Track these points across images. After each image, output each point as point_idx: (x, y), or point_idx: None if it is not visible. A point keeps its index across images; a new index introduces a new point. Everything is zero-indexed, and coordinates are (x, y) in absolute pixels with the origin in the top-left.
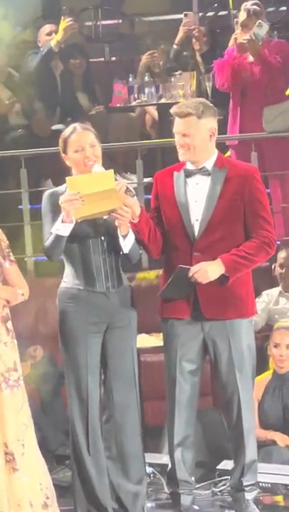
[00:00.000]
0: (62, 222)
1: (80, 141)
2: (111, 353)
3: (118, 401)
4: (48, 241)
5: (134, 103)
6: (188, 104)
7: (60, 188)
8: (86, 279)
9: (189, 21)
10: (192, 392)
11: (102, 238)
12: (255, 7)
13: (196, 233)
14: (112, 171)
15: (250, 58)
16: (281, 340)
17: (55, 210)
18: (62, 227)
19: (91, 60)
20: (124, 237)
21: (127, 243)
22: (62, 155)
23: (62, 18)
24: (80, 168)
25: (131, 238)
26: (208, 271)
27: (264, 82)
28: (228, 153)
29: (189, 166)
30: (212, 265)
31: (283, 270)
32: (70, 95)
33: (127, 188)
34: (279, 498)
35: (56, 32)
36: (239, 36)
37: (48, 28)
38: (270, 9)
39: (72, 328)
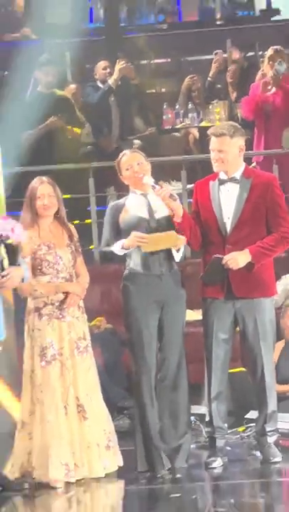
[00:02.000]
0: (122, 248)
1: (129, 161)
2: (166, 325)
3: (172, 364)
4: (105, 248)
5: (179, 125)
6: (223, 127)
7: (121, 201)
8: (143, 265)
9: (219, 59)
10: (225, 357)
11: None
12: (279, 47)
13: (228, 230)
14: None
15: (273, 90)
16: None
17: (114, 221)
18: (120, 251)
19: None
20: (177, 251)
21: (179, 254)
22: (120, 176)
23: (118, 60)
24: (132, 181)
25: (181, 251)
26: (238, 259)
27: (284, 109)
28: (254, 164)
29: (222, 176)
30: (241, 254)
31: None
32: (128, 119)
33: (171, 194)
34: None
35: (109, 67)
36: (266, 69)
37: (102, 64)
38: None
39: (134, 306)
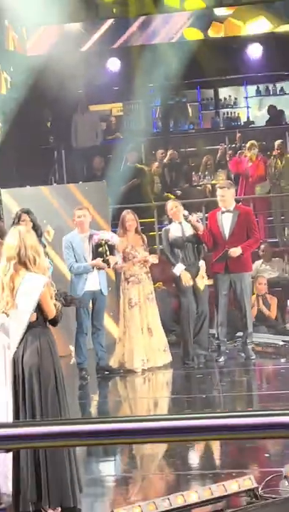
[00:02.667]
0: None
1: (171, 205)
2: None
3: (200, 308)
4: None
5: (201, 183)
6: (225, 183)
7: (168, 227)
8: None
9: (222, 149)
10: (225, 303)
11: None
12: (253, 141)
13: (227, 237)
14: None
15: (250, 163)
16: (261, 279)
17: (166, 237)
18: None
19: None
20: None
21: None
22: (167, 213)
23: (168, 149)
24: (173, 216)
25: None
26: (236, 252)
27: (255, 173)
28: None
29: (223, 209)
30: (236, 249)
31: (264, 252)
32: (175, 180)
33: (197, 220)
34: (267, 350)
35: (164, 153)
36: (247, 153)
37: (160, 151)
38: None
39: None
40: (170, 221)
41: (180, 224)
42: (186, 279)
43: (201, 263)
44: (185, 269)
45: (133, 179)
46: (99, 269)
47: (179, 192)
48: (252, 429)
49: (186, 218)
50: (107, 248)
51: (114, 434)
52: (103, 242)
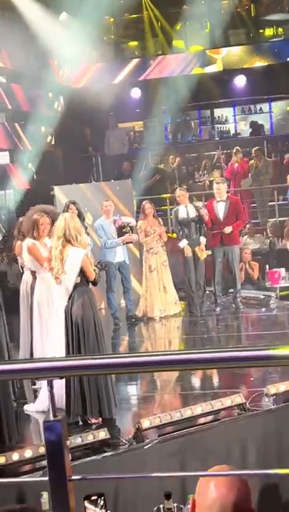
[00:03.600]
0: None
1: (179, 194)
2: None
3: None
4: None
5: (201, 179)
6: (219, 180)
7: (176, 208)
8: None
9: (217, 154)
10: (221, 268)
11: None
12: (238, 147)
13: (221, 220)
14: None
15: (236, 164)
16: (247, 250)
17: (176, 217)
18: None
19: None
20: None
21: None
22: (176, 198)
23: (177, 156)
24: (180, 201)
25: None
26: (228, 230)
27: (241, 172)
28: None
29: (218, 199)
30: (228, 228)
31: (248, 230)
32: (181, 178)
33: (200, 207)
34: (252, 302)
35: (174, 158)
36: (234, 156)
37: (171, 157)
38: (243, 149)
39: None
40: (178, 205)
41: (186, 207)
42: (187, 251)
43: (202, 239)
44: (188, 243)
45: (155, 175)
46: (126, 243)
47: (185, 186)
48: (237, 360)
49: (198, 209)
50: (129, 229)
51: (139, 365)
52: (126, 224)
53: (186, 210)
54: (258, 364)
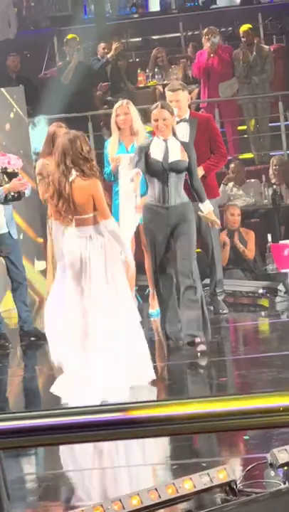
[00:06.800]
0: None
1: (156, 115)
2: None
3: None
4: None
5: (149, 84)
6: (177, 84)
7: (145, 145)
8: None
9: (179, 37)
10: None
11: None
12: (212, 26)
13: None
14: None
15: (212, 55)
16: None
17: (140, 159)
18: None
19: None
20: None
21: None
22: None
23: (113, 42)
24: (156, 131)
25: None
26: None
27: (219, 69)
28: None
29: (177, 118)
30: (198, 169)
31: (234, 174)
32: (117, 80)
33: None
34: (243, 301)
35: (107, 48)
36: (204, 42)
37: (103, 45)
38: (223, 29)
39: None
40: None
41: (165, 142)
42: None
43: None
44: None
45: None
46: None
47: (120, 98)
48: (217, 417)
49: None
50: (6, 177)
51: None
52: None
53: (164, 147)
54: (256, 422)
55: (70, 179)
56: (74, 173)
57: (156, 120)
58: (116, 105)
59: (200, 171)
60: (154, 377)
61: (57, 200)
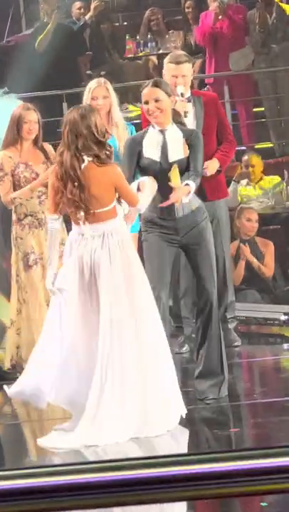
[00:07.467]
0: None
1: (147, 95)
2: None
3: None
4: None
5: (140, 54)
6: (179, 55)
7: (138, 137)
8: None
9: None
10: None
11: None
12: None
13: None
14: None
15: (220, 17)
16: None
17: (132, 157)
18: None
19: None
20: None
21: None
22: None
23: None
24: (148, 117)
25: None
26: (214, 166)
27: (230, 35)
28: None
29: (177, 97)
30: (213, 162)
31: (248, 168)
32: (99, 49)
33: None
34: (256, 329)
35: (83, 7)
36: (210, 1)
37: (78, 4)
38: None
39: None
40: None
41: (163, 134)
42: None
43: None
44: None
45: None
46: None
47: (102, 72)
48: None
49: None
50: None
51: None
52: None
53: (161, 141)
54: (275, 486)
55: (82, 166)
56: (86, 158)
57: (147, 102)
58: (91, 85)
59: (214, 164)
60: (185, 411)
61: (72, 186)
